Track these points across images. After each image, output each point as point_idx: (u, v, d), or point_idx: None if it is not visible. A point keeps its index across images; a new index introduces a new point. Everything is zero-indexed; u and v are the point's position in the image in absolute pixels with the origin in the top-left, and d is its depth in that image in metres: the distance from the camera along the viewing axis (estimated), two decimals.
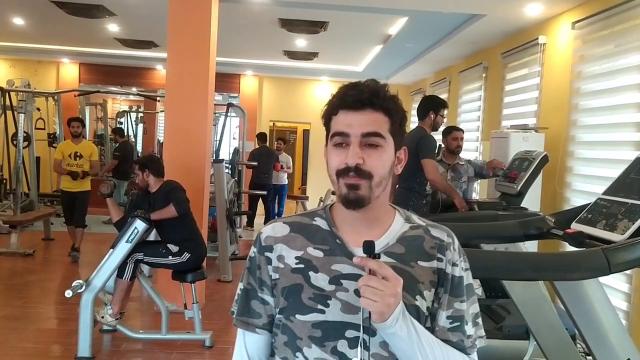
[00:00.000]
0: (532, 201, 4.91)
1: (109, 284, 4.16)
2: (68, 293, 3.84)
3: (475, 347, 1.24)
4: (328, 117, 1.21)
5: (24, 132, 8.77)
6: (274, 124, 12.96)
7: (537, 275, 2.24)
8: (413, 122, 10.98)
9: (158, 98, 10.54)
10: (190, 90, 5.13)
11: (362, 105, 1.16)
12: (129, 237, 4.02)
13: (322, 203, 9.60)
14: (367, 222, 1.22)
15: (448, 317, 1.21)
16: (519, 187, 4.61)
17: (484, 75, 7.51)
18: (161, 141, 10.78)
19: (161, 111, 11.30)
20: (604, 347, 2.27)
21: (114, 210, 4.49)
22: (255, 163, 8.77)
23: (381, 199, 1.21)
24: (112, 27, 8.07)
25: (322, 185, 10.98)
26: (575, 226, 2.61)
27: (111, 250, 4.07)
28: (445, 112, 4.78)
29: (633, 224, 2.30)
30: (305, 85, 12.12)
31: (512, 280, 2.41)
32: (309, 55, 9.37)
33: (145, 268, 4.85)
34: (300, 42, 8.33)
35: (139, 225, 4.04)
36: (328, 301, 1.16)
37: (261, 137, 9.86)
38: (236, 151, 9.33)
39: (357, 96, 1.16)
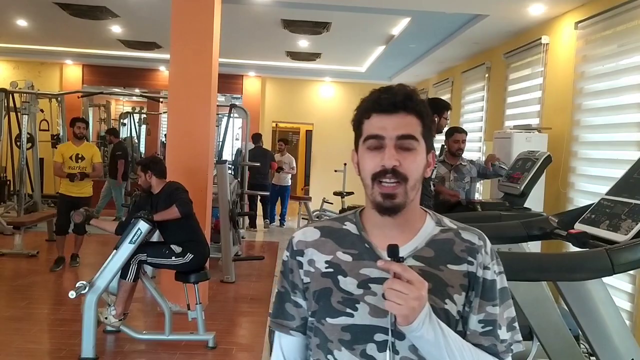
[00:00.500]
0: (535, 201, 4.90)
1: (112, 284, 4.16)
2: (72, 294, 3.85)
3: (511, 352, 1.23)
4: (359, 121, 1.21)
5: (28, 133, 8.78)
6: (276, 124, 12.97)
7: (540, 275, 2.24)
8: None
9: (161, 99, 10.55)
10: (193, 92, 5.14)
11: (395, 109, 1.17)
12: (132, 238, 4.03)
13: (324, 204, 9.64)
14: (398, 226, 1.22)
15: (480, 321, 1.20)
16: (522, 188, 4.61)
17: (486, 75, 7.51)
18: (164, 142, 10.79)
19: (164, 112, 11.32)
20: (607, 347, 2.27)
21: (104, 225, 4.52)
22: (258, 164, 8.78)
23: (414, 203, 1.21)
24: (115, 29, 8.09)
25: (324, 186, 11.00)
26: (579, 226, 2.61)
27: (114, 251, 4.08)
28: (449, 114, 4.78)
29: (637, 224, 2.30)
30: (307, 86, 12.12)
31: (515, 280, 2.41)
32: (311, 56, 9.37)
33: (148, 269, 4.85)
34: (303, 42, 8.33)
35: (142, 226, 4.05)
36: (356, 305, 1.17)
37: (255, 137, 9.87)
38: (239, 152, 9.34)
39: (391, 99, 1.17)
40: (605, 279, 2.28)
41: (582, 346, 2.89)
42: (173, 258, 4.25)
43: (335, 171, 10.14)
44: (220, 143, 8.43)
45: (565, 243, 3.68)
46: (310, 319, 1.25)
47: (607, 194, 2.67)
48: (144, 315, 5.14)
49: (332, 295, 1.19)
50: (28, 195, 8.96)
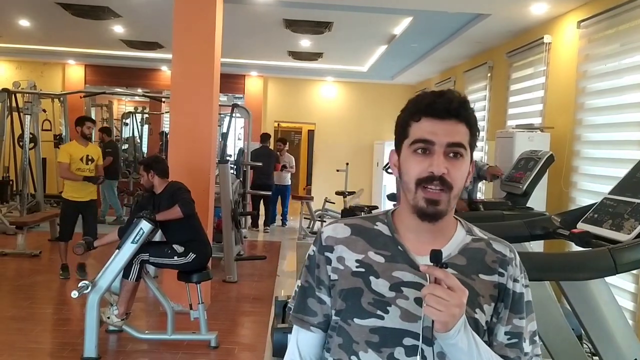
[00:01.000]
0: (537, 201, 4.89)
1: (114, 284, 4.17)
2: (74, 294, 3.85)
3: None
4: (406, 122, 1.19)
5: (30, 133, 8.80)
6: (278, 124, 12.97)
7: (543, 275, 2.23)
8: None
9: (163, 99, 10.55)
10: (195, 91, 5.14)
11: (448, 115, 1.15)
12: (135, 237, 4.03)
13: (326, 204, 9.64)
14: (432, 232, 1.21)
15: (506, 333, 1.20)
16: (524, 187, 4.60)
17: (489, 74, 7.50)
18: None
19: (166, 112, 11.32)
20: (610, 347, 2.27)
21: (107, 239, 4.45)
22: (260, 164, 8.78)
23: (452, 210, 1.20)
24: (118, 29, 8.10)
25: (326, 186, 11.00)
26: (582, 226, 2.60)
27: (117, 251, 4.08)
28: None
29: (639, 223, 2.29)
30: (310, 85, 12.12)
31: None
32: (313, 56, 9.37)
33: (150, 269, 4.87)
34: (305, 42, 8.33)
35: (145, 226, 4.05)
36: (388, 307, 1.16)
37: (263, 137, 9.86)
38: (241, 152, 9.34)
39: (446, 105, 1.15)
40: (608, 279, 2.28)
41: (585, 346, 2.89)
42: (175, 258, 4.25)
43: (338, 171, 10.14)
44: (222, 143, 8.43)
45: (568, 243, 3.67)
46: (334, 317, 1.22)
47: (609, 193, 2.67)
48: (146, 315, 5.14)
49: (363, 295, 1.17)
50: (31, 195, 8.98)
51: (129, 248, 4.04)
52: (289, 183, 10.53)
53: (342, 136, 11.94)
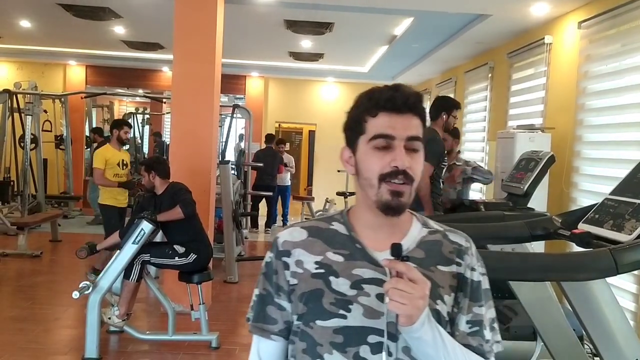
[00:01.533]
0: (538, 202, 4.89)
1: (115, 285, 4.17)
2: (75, 294, 3.86)
3: (493, 352, 1.24)
4: (362, 118, 1.18)
5: (31, 134, 8.82)
6: (279, 125, 12.97)
7: (544, 275, 2.23)
8: None
9: (164, 100, 10.56)
10: (196, 92, 5.15)
11: (406, 109, 1.16)
12: (136, 238, 4.03)
13: (327, 204, 9.64)
14: (390, 227, 1.21)
15: (468, 322, 1.21)
16: (525, 188, 4.60)
17: (490, 75, 7.49)
18: (167, 142, 10.80)
19: (167, 113, 11.34)
20: (611, 348, 2.26)
21: (109, 242, 4.46)
22: (262, 164, 8.78)
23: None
24: (119, 29, 8.10)
25: (327, 186, 11.00)
26: (582, 226, 2.60)
27: (118, 251, 4.08)
28: (457, 112, 4.78)
29: None
30: (310, 86, 12.12)
31: (519, 280, 2.41)
32: (314, 57, 9.37)
33: (151, 269, 4.87)
34: (306, 43, 8.33)
35: (146, 226, 4.05)
36: (350, 306, 1.15)
37: (268, 138, 9.86)
38: (242, 152, 9.34)
39: (403, 99, 1.15)
40: (609, 279, 2.27)
41: (586, 346, 2.89)
42: (176, 258, 4.26)
43: (339, 171, 10.12)
44: (223, 143, 8.43)
45: (568, 243, 3.67)
46: (296, 322, 1.20)
47: (610, 193, 2.67)
48: (147, 316, 5.15)
49: (324, 296, 1.16)
50: (32, 195, 8.99)
51: (130, 249, 4.05)
52: (289, 183, 10.53)
53: (343, 137, 11.91)
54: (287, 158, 10.34)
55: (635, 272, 3.98)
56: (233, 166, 8.11)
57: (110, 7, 6.79)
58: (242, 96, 11.87)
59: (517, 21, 6.00)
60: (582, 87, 5.13)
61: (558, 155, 4.89)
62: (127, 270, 4.15)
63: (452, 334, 1.18)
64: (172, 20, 5.16)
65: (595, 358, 2.75)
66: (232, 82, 11.21)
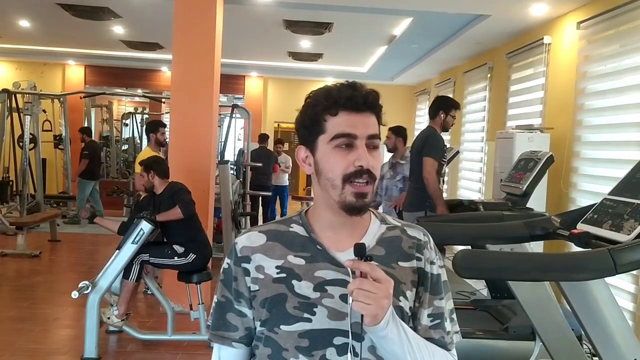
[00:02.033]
0: (537, 202, 4.89)
1: (115, 285, 4.17)
2: (74, 294, 3.85)
3: (454, 342, 1.25)
4: (320, 117, 1.16)
5: (30, 134, 8.81)
6: (278, 125, 12.97)
7: (543, 275, 2.24)
8: (418, 122, 11.01)
9: (163, 100, 10.56)
10: (195, 92, 5.15)
11: (365, 107, 1.15)
12: (135, 238, 4.03)
13: None
14: (350, 226, 1.20)
15: (429, 315, 1.22)
16: (524, 188, 4.60)
17: (489, 75, 7.50)
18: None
19: (166, 113, 11.33)
20: (610, 347, 2.27)
21: (108, 224, 4.55)
22: (260, 164, 8.78)
23: None
24: (118, 29, 8.10)
25: None
26: (581, 226, 2.60)
27: (117, 251, 4.08)
28: (456, 113, 4.79)
29: (639, 224, 2.29)
30: (309, 86, 12.06)
31: (517, 280, 2.41)
32: (313, 57, 9.37)
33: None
34: (305, 43, 8.34)
35: (145, 226, 4.05)
36: (314, 309, 1.14)
37: (261, 138, 9.86)
38: (241, 152, 9.33)
39: (363, 98, 1.15)
40: (608, 279, 2.28)
41: (584, 346, 2.89)
42: (175, 258, 4.25)
43: None
44: (223, 143, 8.43)
45: (567, 243, 3.68)
46: (259, 328, 1.18)
47: (609, 194, 2.67)
48: (146, 316, 5.15)
49: (287, 300, 1.14)
50: (30, 195, 8.98)
51: (129, 248, 4.05)
52: (287, 183, 10.53)
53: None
54: (284, 158, 10.33)
55: (634, 272, 3.98)
56: (232, 166, 8.11)
57: (109, 7, 6.79)
58: (241, 96, 11.87)
59: (516, 21, 6.00)
60: (581, 87, 5.14)
61: (557, 155, 4.90)
62: (126, 270, 4.15)
63: (414, 329, 1.19)
64: (172, 20, 5.15)
65: (594, 358, 2.75)
66: (231, 82, 11.21)
